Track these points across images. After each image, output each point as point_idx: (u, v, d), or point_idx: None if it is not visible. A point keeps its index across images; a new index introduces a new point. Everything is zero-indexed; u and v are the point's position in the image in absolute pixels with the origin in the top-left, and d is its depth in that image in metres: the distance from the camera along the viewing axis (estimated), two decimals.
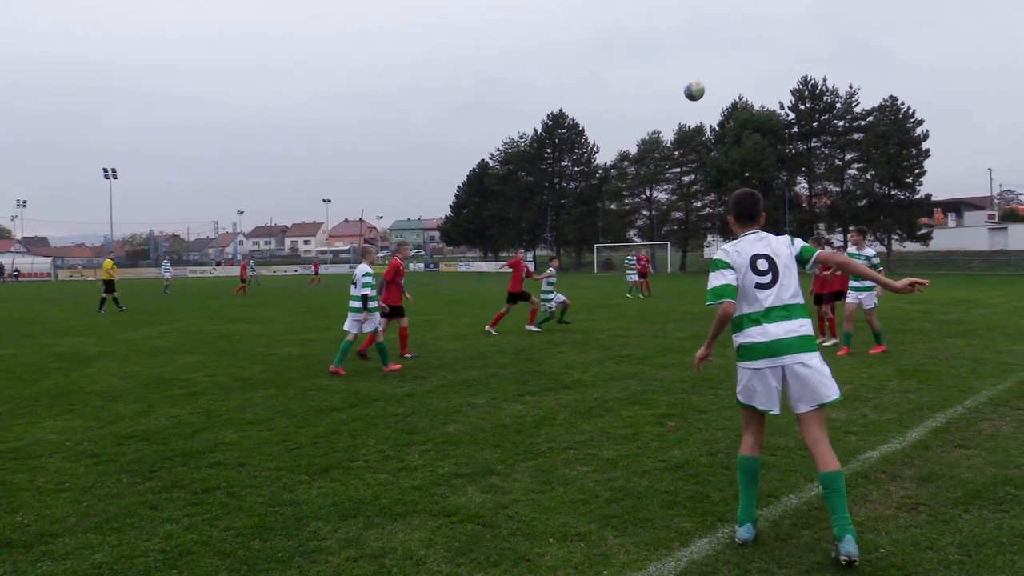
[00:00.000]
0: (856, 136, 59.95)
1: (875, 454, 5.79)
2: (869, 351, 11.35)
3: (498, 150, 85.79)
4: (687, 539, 4.19)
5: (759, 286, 4.14)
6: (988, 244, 63.54)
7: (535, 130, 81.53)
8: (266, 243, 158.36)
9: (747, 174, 60.03)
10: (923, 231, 58.52)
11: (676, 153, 72.40)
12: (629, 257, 29.95)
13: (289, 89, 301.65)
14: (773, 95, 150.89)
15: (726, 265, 4.18)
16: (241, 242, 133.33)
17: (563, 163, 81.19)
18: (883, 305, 19.97)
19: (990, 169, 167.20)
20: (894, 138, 56.03)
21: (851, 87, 61.30)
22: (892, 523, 4.37)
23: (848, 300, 11.84)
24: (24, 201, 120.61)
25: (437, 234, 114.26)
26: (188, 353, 12.57)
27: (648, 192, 75.26)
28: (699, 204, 71.62)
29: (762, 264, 4.16)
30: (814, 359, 4.20)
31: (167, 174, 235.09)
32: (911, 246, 59.36)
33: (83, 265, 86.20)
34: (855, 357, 11.00)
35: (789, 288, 4.19)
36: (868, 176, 59.05)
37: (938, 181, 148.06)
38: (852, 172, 61.09)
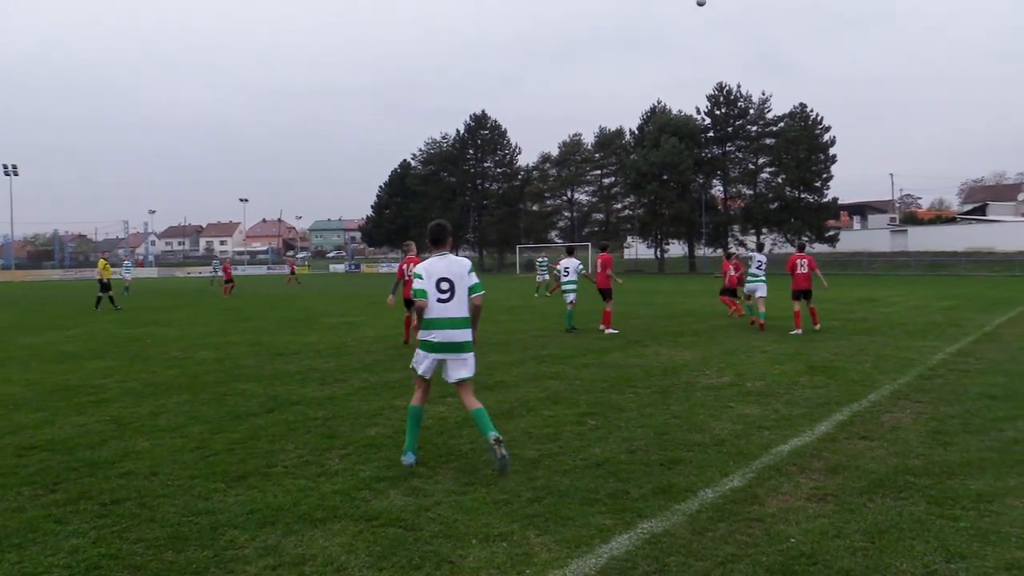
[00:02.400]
0: (768, 141, 62.20)
1: (786, 448, 6.02)
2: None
3: (420, 150, 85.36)
4: (607, 535, 4.26)
5: (440, 301, 5.63)
6: (890, 245, 66.86)
7: (457, 131, 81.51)
8: (180, 244, 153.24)
9: (665, 176, 61.54)
10: (830, 233, 61.19)
11: (597, 155, 73.68)
12: (540, 259, 30.75)
13: (201, 85, 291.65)
14: (689, 100, 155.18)
15: (419, 276, 5.68)
16: (153, 242, 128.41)
17: (485, 164, 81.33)
18: (786, 305, 20.70)
19: (892, 174, 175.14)
20: (803, 144, 58.34)
21: (764, 94, 63.47)
22: (802, 513, 4.55)
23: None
24: None
25: (358, 235, 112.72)
26: (97, 358, 12.03)
27: (569, 194, 76.31)
28: (619, 206, 73.06)
29: (444, 285, 5.65)
30: (468, 357, 5.76)
31: (73, 171, 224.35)
32: (819, 247, 61.87)
33: None
34: (767, 355, 11.41)
35: (462, 303, 5.69)
36: (779, 180, 61.31)
37: (844, 185, 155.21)
38: (764, 176, 63.36)
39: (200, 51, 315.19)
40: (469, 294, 5.73)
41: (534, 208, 78.23)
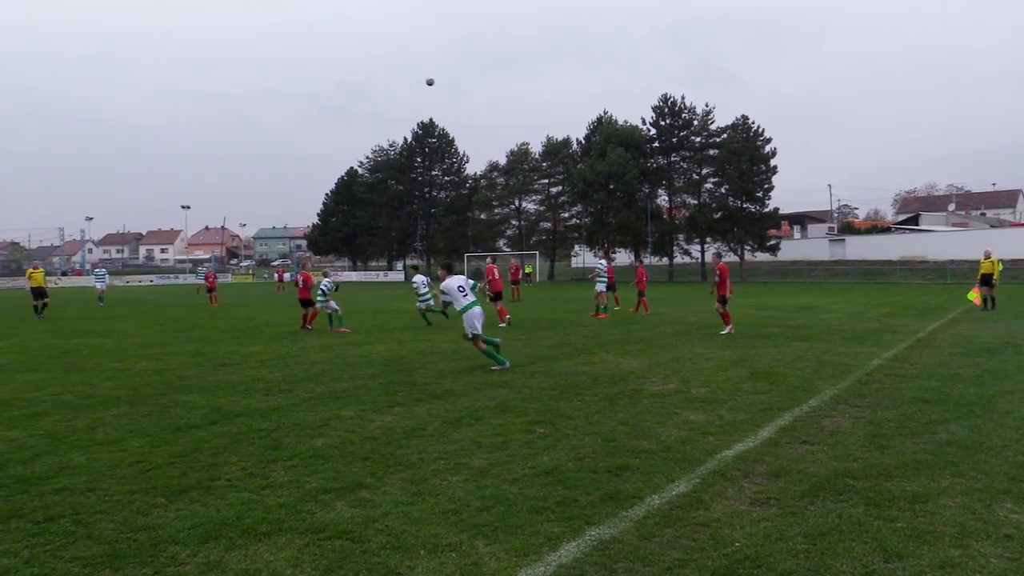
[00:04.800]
0: (712, 152, 63.35)
1: (730, 453, 6.13)
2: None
3: (367, 158, 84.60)
4: (556, 543, 4.27)
5: (465, 296, 11.24)
6: (829, 254, 68.76)
7: (405, 139, 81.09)
8: (118, 251, 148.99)
9: (612, 186, 62.21)
10: (772, 242, 62.57)
11: (544, 164, 74.02)
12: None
13: (141, 87, 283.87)
14: (634, 111, 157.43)
15: (456, 287, 11.15)
16: (90, 250, 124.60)
17: (433, 172, 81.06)
18: (736, 312, 21.13)
19: (830, 185, 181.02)
20: (746, 155, 59.57)
21: (707, 105, 64.51)
22: (746, 517, 4.63)
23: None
24: None
25: (304, 243, 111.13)
26: (30, 370, 11.60)
27: (517, 202, 76.51)
28: (567, 215, 73.50)
29: (464, 288, 11.23)
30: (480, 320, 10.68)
31: (3, 174, 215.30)
32: (761, 256, 63.36)
33: None
34: (712, 362, 11.61)
35: (472, 295, 11.18)
36: (723, 190, 62.45)
37: (785, 196, 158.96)
38: (708, 186, 64.47)
39: (139, 52, 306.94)
40: (474, 288, 11.27)
41: (482, 216, 78.20)
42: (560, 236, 73.58)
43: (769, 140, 61.41)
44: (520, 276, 31.26)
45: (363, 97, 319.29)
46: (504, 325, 18.19)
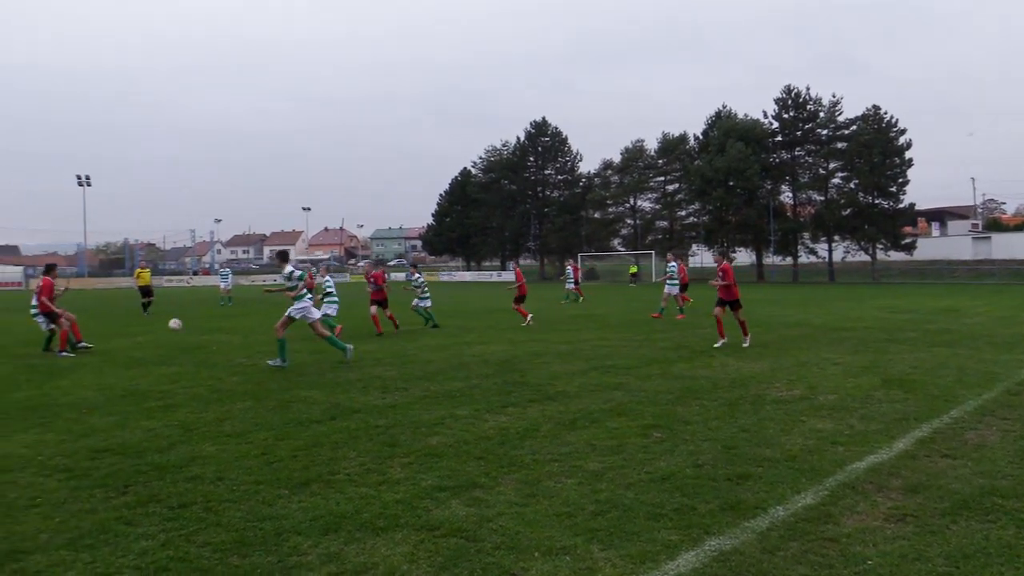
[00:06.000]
0: (840, 145, 60.31)
1: (862, 465, 5.75)
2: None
3: (480, 158, 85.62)
4: (674, 552, 4.12)
5: None
6: (972, 253, 64.10)
7: (518, 138, 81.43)
8: (244, 252, 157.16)
9: (731, 183, 60.35)
10: (907, 240, 58.94)
11: (660, 162, 72.59)
12: (567, 268, 33.33)
13: (264, 96, 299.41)
14: (754, 105, 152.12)
15: None
16: (219, 251, 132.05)
17: (546, 171, 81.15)
18: (868, 315, 20.02)
19: (973, 178, 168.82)
20: (877, 147, 56.41)
21: (834, 96, 61.31)
22: (879, 534, 4.32)
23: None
24: None
25: (419, 243, 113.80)
26: (165, 364, 12.38)
27: (632, 201, 75.46)
28: (683, 213, 71.84)
29: None
30: None
31: (142, 182, 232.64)
32: (895, 255, 59.74)
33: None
34: (840, 367, 11.02)
35: None
36: (852, 185, 59.42)
37: (922, 190, 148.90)
38: (836, 181, 61.46)
39: (260, 62, 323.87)
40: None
41: (596, 216, 77.62)
42: (677, 235, 72.00)
43: (903, 131, 57.95)
44: (579, 278, 32.17)
45: (475, 97, 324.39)
46: (526, 324, 18.88)
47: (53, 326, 14.31)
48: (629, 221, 76.46)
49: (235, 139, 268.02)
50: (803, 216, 63.61)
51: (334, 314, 16.07)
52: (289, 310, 12.02)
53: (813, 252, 62.33)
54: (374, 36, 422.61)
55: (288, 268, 12.24)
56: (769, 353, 12.72)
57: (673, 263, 22.36)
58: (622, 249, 74.71)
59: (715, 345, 13.48)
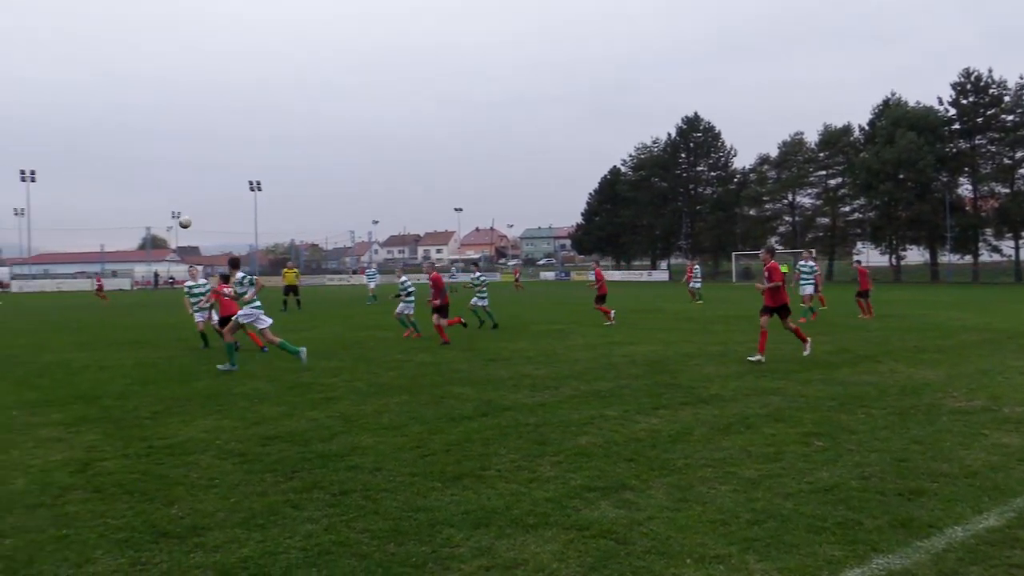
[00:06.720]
0: None
1: None
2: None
3: (630, 156, 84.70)
4: (836, 568, 3.88)
5: None
6: None
7: (669, 135, 79.88)
8: (400, 252, 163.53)
9: (901, 176, 56.28)
10: None
11: (821, 155, 68.72)
12: (696, 267, 32.90)
13: (417, 98, 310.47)
14: (926, 91, 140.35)
15: None
16: (376, 251, 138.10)
17: (698, 168, 79.07)
18: None
19: None
20: None
21: (1022, 78, 55.66)
22: None
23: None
24: (178, 213, 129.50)
25: (568, 242, 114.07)
26: (327, 358, 13.10)
27: (791, 197, 71.95)
28: (847, 208, 67.67)
29: None
30: None
31: (306, 186, 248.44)
32: None
33: None
34: None
35: None
36: None
37: None
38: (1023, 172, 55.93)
39: (412, 66, 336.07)
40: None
41: (751, 213, 74.70)
42: (840, 232, 67.92)
43: None
44: (692, 276, 31.63)
45: (625, 94, 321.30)
46: (609, 323, 18.95)
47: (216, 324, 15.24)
48: (787, 218, 73.01)
49: (391, 143, 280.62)
50: (985, 211, 58.17)
51: (411, 313, 17.01)
52: (238, 315, 12.34)
53: (997, 250, 56.93)
54: (515, 34, 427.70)
55: (239, 274, 12.50)
56: (946, 359, 11.74)
57: (810, 263, 21.25)
58: (780, 248, 71.46)
59: (750, 359, 11.73)
